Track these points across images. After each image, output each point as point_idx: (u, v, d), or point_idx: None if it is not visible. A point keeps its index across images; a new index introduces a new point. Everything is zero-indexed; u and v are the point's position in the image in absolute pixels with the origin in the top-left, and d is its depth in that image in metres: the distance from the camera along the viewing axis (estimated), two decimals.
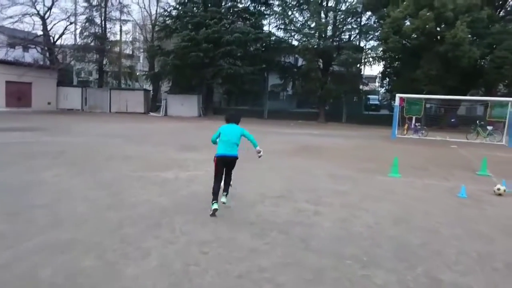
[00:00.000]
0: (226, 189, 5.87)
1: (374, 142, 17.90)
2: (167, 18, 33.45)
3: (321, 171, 9.47)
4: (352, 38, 32.74)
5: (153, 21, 35.36)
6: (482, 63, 25.53)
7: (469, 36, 23.81)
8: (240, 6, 33.49)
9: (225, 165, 5.79)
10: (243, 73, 30.58)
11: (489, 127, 20.52)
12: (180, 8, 32.57)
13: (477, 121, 21.37)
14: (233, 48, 30.02)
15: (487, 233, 5.23)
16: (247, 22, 32.98)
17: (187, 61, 29.79)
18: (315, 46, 31.03)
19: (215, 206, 5.45)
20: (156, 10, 35.35)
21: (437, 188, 8.01)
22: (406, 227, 5.34)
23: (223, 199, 5.76)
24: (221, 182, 5.76)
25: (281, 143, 15.24)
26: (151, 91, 37.03)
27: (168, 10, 33.38)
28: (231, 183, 6.03)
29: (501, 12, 28.30)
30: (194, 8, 31.94)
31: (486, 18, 24.73)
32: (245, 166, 8.90)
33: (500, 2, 27.79)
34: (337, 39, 32.21)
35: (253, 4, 34.16)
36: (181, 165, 9.42)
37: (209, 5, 31.23)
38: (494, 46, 24.59)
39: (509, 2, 27.96)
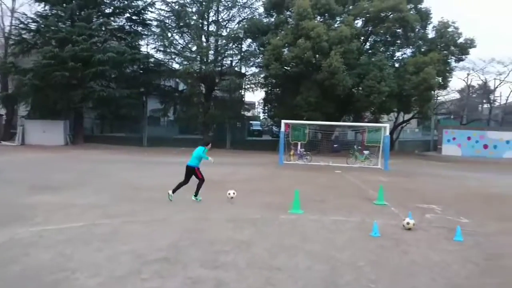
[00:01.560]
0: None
1: (264, 170, 17.11)
2: (23, 32, 28.74)
3: (217, 213, 7.94)
4: (234, 63, 32.52)
5: (6, 34, 30.05)
6: (354, 91, 27.34)
7: (343, 66, 25.27)
8: (114, 24, 30.71)
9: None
10: (118, 97, 27.66)
11: (366, 152, 21.63)
12: (41, 21, 28.33)
13: (355, 146, 22.43)
14: (106, 69, 27.03)
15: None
16: (123, 41, 30.31)
17: (50, 82, 25.73)
18: (197, 70, 29.91)
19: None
20: (11, 22, 30.21)
21: (347, 227, 7.14)
22: None
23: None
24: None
25: (164, 176, 13.33)
26: (3, 116, 31.23)
27: (26, 22, 28.73)
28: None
29: (367, 44, 31.11)
30: (59, 23, 28.08)
31: (356, 50, 26.72)
32: (115, 212, 6.99)
33: (366, 36, 30.49)
34: (219, 64, 31.60)
35: (129, 23, 31.62)
36: (25, 216, 6.93)
37: (77, 20, 27.80)
38: (363, 76, 26.54)
39: (372, 37, 30.85)
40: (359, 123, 28.75)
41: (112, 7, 30.50)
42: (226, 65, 32.47)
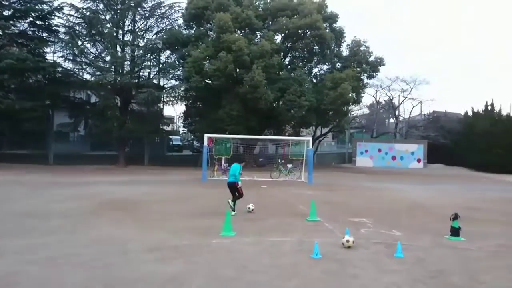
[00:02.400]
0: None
1: (187, 188, 16.02)
2: None
3: (136, 242, 6.83)
4: (152, 75, 30.94)
5: None
6: (276, 105, 27.52)
7: (265, 80, 25.29)
8: (14, 28, 27.49)
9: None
10: (18, 109, 24.55)
11: (289, 165, 21.63)
12: None
13: (279, 160, 22.35)
14: (4, 78, 23.92)
15: None
16: (24, 48, 27.21)
17: None
18: (112, 82, 27.86)
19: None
20: None
21: (286, 249, 6.54)
22: None
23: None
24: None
25: (74, 199, 11.67)
26: None
27: None
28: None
29: (287, 60, 31.71)
30: None
31: (277, 65, 27.00)
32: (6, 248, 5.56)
33: (286, 51, 31.08)
34: (136, 75, 29.81)
35: (32, 28, 28.51)
36: None
37: None
38: (284, 90, 26.85)
39: (292, 52, 31.57)
40: (281, 136, 28.94)
41: (11, 9, 27.26)
42: (144, 77, 30.79)
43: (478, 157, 40.09)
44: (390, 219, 9.75)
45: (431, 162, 43.69)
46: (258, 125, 28.47)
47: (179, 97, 30.50)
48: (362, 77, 30.94)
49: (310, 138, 21.16)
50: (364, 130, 49.91)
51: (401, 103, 48.14)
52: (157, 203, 11.52)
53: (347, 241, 6.69)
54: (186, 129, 37.54)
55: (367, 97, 75.78)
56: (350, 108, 32.34)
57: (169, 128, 42.49)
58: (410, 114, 50.07)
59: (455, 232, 7.63)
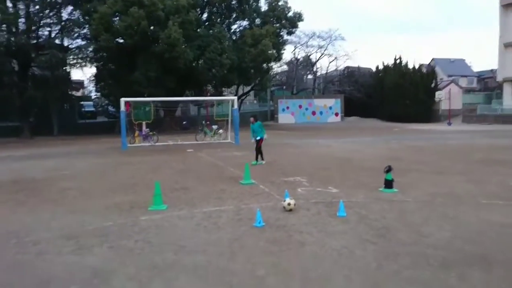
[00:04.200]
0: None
1: (105, 159, 14.64)
2: None
3: (48, 229, 5.79)
4: (53, 35, 27.48)
5: None
6: (196, 64, 26.19)
7: (182, 38, 23.74)
8: None
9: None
10: None
11: (214, 126, 20.94)
12: None
13: (203, 122, 21.51)
14: None
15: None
16: None
17: None
18: (4, 43, 24.23)
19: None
20: None
21: (225, 220, 5.98)
22: None
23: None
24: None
25: None
26: None
27: None
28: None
29: (204, 16, 30.09)
30: None
31: (194, 21, 25.42)
32: None
33: (203, 7, 29.40)
34: (34, 35, 26.24)
35: None
36: None
37: None
38: (204, 48, 25.57)
39: (209, 7, 29.96)
40: (204, 97, 27.89)
41: None
42: (44, 37, 27.27)
43: (389, 108, 42.93)
44: (323, 175, 9.68)
45: (347, 115, 45.92)
46: (178, 86, 27.06)
47: (88, 59, 27.65)
48: (281, 33, 30.61)
49: (235, 98, 20.52)
50: (284, 87, 50.50)
51: (318, 59, 49.24)
52: (70, 179, 10.22)
53: (288, 204, 6.33)
54: (99, 94, 34.59)
55: (286, 54, 76.54)
56: (270, 65, 32.04)
57: (79, 94, 38.94)
58: (327, 70, 51.57)
59: (388, 184, 7.69)
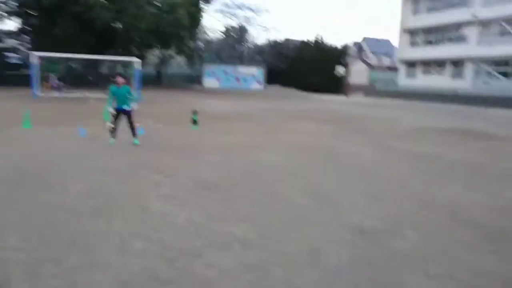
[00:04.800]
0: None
1: (14, 104, 17.43)
2: None
3: None
4: None
5: None
6: (115, 26, 28.56)
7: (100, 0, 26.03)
8: None
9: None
10: None
11: None
12: None
13: (111, 79, 24.34)
14: None
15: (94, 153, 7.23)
16: None
17: None
18: None
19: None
20: None
21: (67, 133, 9.58)
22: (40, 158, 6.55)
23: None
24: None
25: None
26: None
27: None
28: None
29: None
30: None
31: None
32: None
33: None
34: None
35: None
36: None
37: None
38: (122, 12, 27.96)
39: None
40: (114, 56, 30.27)
41: None
42: None
43: (305, 80, 47.53)
44: (172, 119, 13.44)
45: (270, 83, 49.93)
46: (98, 44, 29.35)
47: (10, 13, 29.03)
48: (199, 2, 33.38)
49: (138, 60, 23.41)
50: (212, 53, 53.26)
51: (246, 29, 52.43)
52: None
53: (109, 125, 10.00)
54: (22, 47, 35.78)
55: (217, 23, 78.77)
56: (192, 32, 34.74)
57: (4, 45, 39.46)
58: (255, 40, 55.03)
59: (194, 122, 11.61)
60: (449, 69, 38.60)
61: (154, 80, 38.65)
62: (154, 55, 38.08)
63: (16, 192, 4.78)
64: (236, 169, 6.52)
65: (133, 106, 8.42)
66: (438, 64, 40.04)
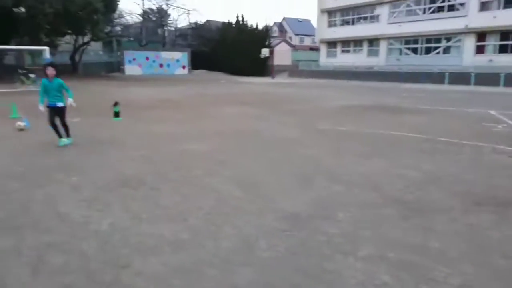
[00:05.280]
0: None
1: None
2: None
3: None
4: None
5: None
6: (17, 11, 25.78)
7: None
8: None
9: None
10: None
11: (32, 75, 21.89)
12: None
13: (19, 70, 22.19)
14: None
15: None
16: None
17: None
18: None
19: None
20: None
21: None
22: None
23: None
24: None
25: None
26: None
27: None
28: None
29: None
30: None
31: None
32: None
33: None
34: None
35: None
36: None
37: None
38: None
39: None
40: (19, 46, 27.70)
41: None
42: None
43: (230, 62, 47.25)
44: (87, 111, 12.52)
45: (195, 68, 48.98)
46: (1, 33, 26.44)
47: None
48: None
49: (46, 48, 21.54)
50: (131, 38, 50.89)
51: (166, 12, 50.61)
52: None
53: (19, 125, 9.05)
54: None
55: (135, 6, 75.41)
56: (99, 16, 32.65)
57: None
58: (176, 23, 53.38)
59: (116, 114, 10.92)
60: (365, 47, 40.73)
61: (69, 70, 35.90)
62: (67, 42, 35.22)
63: None
64: (163, 162, 6.22)
65: (69, 102, 7.33)
66: (355, 43, 42.07)
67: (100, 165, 6.01)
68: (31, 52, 22.69)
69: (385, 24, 37.65)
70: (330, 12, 44.04)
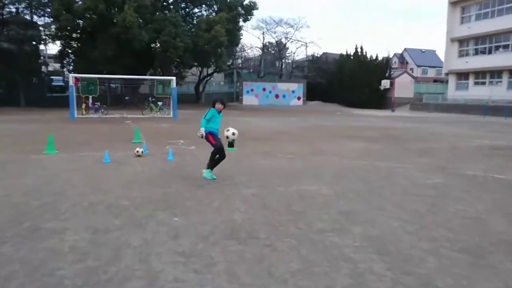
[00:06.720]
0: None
1: (51, 125, 17.17)
2: None
3: None
4: (20, 11, 29.49)
5: None
6: (153, 46, 28.54)
7: (139, 20, 26.00)
8: None
9: None
10: None
11: (159, 103, 23.53)
12: None
13: (150, 98, 24.06)
14: None
15: (109, 186, 6.20)
16: None
17: None
18: None
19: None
20: None
21: (88, 160, 8.69)
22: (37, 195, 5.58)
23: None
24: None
25: None
26: None
27: None
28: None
29: (164, 1, 32.26)
30: None
31: (150, 6, 27.64)
32: None
33: None
34: (0, 11, 28.24)
35: None
36: None
37: None
38: (160, 32, 27.88)
39: None
40: (149, 76, 30.13)
41: None
42: (12, 13, 29.24)
43: (346, 94, 45.70)
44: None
45: (310, 99, 48.53)
46: (137, 65, 29.39)
47: (51, 36, 29.78)
48: (238, 20, 32.94)
49: (173, 78, 22.94)
50: (251, 70, 52.84)
51: (285, 45, 51.68)
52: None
53: (137, 151, 9.05)
54: (65, 69, 36.82)
55: (255, 40, 79.13)
56: (223, 49, 34.35)
57: (50, 68, 40.93)
58: (294, 56, 54.10)
59: (230, 144, 10.44)
60: (505, 79, 35.62)
61: (193, 99, 38.44)
62: (193, 74, 37.93)
63: None
64: (278, 206, 5.21)
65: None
66: (492, 75, 37.16)
67: (207, 204, 5.27)
68: (161, 82, 24.48)
69: None
70: (462, 41, 39.88)
